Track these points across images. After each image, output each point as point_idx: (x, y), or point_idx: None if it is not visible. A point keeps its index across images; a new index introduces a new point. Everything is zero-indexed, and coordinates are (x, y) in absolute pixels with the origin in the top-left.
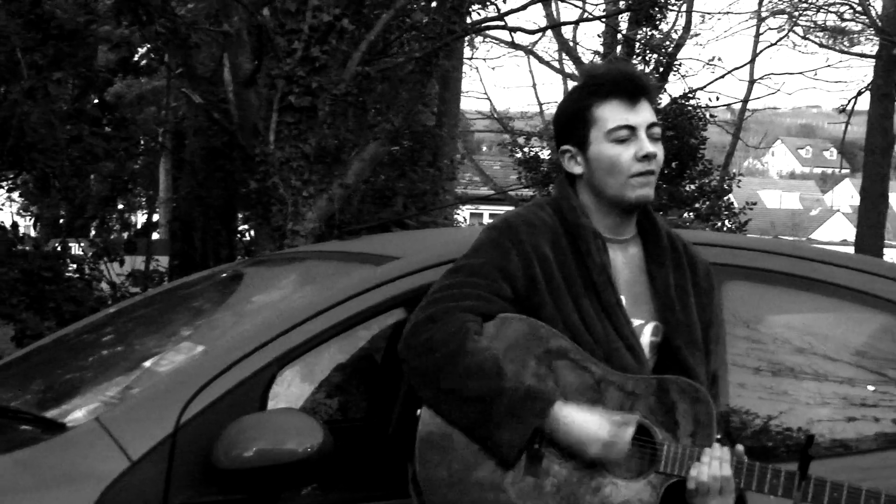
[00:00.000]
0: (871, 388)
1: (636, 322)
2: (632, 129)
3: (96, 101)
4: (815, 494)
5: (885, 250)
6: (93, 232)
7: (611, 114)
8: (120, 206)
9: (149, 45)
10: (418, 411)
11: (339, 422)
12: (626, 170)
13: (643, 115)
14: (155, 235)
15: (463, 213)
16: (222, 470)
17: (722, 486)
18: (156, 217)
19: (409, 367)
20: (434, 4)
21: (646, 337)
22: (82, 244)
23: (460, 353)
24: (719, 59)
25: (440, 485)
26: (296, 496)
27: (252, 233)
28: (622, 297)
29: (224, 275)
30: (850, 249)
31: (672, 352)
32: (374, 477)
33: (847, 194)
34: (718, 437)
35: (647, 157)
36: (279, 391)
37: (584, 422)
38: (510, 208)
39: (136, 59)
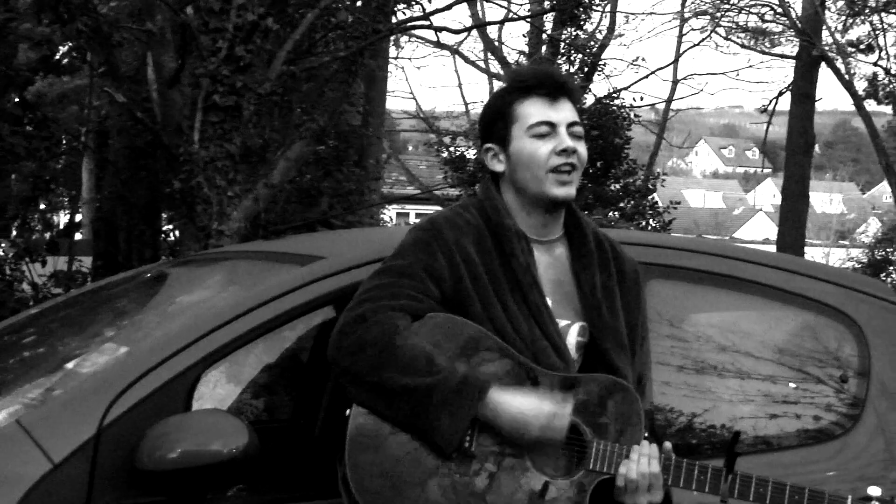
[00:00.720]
0: (792, 385)
1: (562, 322)
2: (552, 125)
3: (17, 99)
4: (741, 490)
5: (806, 249)
6: (14, 232)
7: (531, 110)
8: (42, 207)
9: (70, 44)
10: (347, 411)
11: (265, 422)
12: (544, 164)
13: (564, 112)
14: (78, 236)
15: (389, 213)
16: (146, 472)
17: (650, 482)
18: (78, 217)
19: (341, 368)
20: (359, 4)
21: (572, 337)
22: (3, 245)
23: (391, 349)
24: (643, 60)
25: (371, 485)
26: (221, 498)
27: (177, 233)
28: (548, 298)
29: (148, 275)
30: (772, 248)
31: (598, 352)
32: (302, 477)
33: (769, 193)
34: (646, 434)
35: (566, 151)
36: (204, 392)
37: (522, 404)
38: (437, 208)
39: (57, 57)
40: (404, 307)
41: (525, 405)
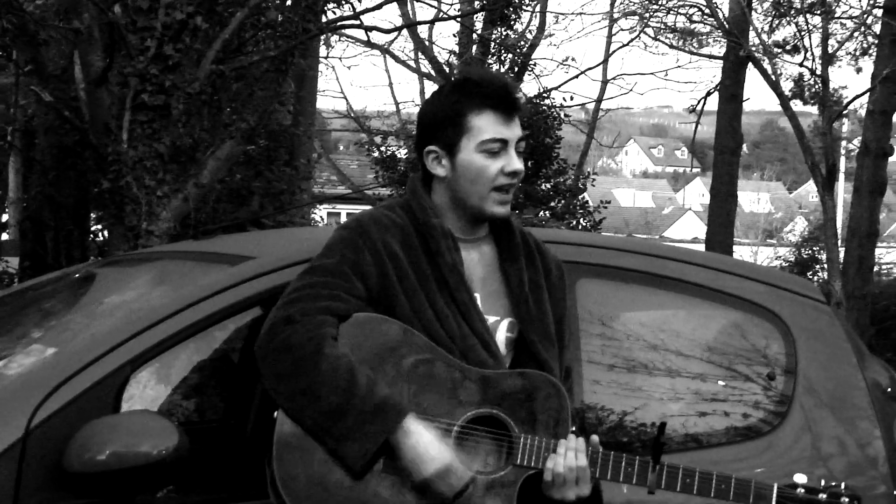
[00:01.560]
0: (721, 383)
1: (491, 319)
2: (504, 142)
3: None
4: (668, 481)
5: (735, 247)
6: None
7: (486, 125)
8: None
9: None
10: (275, 413)
11: (195, 423)
12: (490, 182)
13: (515, 130)
14: (4, 236)
15: (320, 213)
16: (75, 474)
17: (578, 476)
18: (5, 217)
19: (265, 367)
20: (289, 3)
21: (501, 333)
22: None
23: (316, 357)
24: (573, 60)
25: (300, 486)
26: (151, 499)
27: (105, 233)
28: (476, 295)
29: (76, 275)
30: (701, 247)
31: (527, 347)
32: (233, 478)
33: (698, 193)
34: (573, 429)
35: (515, 174)
36: (134, 393)
37: (429, 443)
38: (368, 208)
39: None
40: (332, 309)
41: (428, 448)
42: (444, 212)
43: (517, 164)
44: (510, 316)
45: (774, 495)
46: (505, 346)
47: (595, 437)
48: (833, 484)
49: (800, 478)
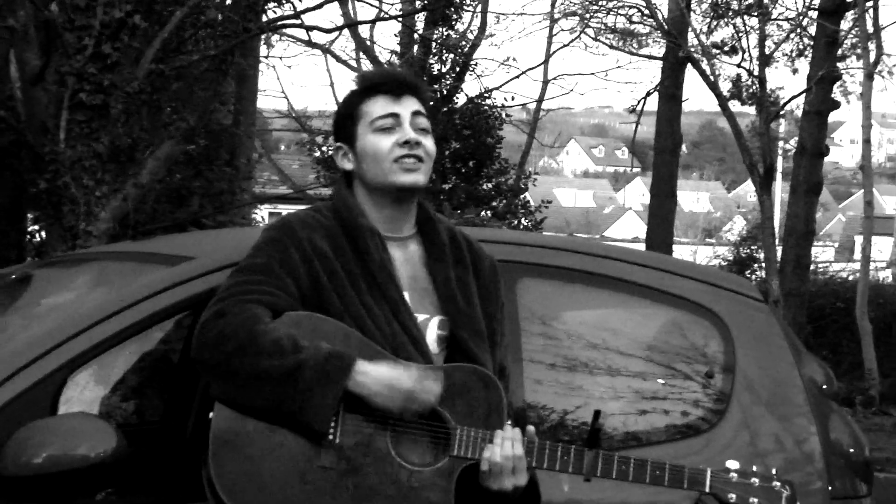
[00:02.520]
0: (661, 381)
1: (421, 317)
2: (395, 116)
3: None
4: (603, 468)
5: (674, 247)
6: None
7: (375, 107)
8: None
9: None
10: (211, 413)
11: (134, 425)
12: (388, 155)
13: (407, 106)
14: None
15: (261, 213)
16: (10, 477)
17: (514, 465)
18: None
19: (204, 364)
20: (228, 2)
21: (432, 331)
22: None
23: (252, 336)
24: (514, 60)
25: (235, 484)
26: (90, 503)
27: (42, 233)
28: (405, 294)
29: (13, 277)
30: (642, 246)
31: (459, 344)
32: (172, 480)
33: (638, 192)
34: (509, 421)
35: (409, 143)
36: (72, 395)
37: (391, 373)
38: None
39: None
40: (262, 301)
41: (394, 373)
42: (367, 209)
43: (411, 133)
44: (440, 314)
45: (708, 479)
46: (437, 344)
47: (531, 428)
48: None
49: (732, 463)
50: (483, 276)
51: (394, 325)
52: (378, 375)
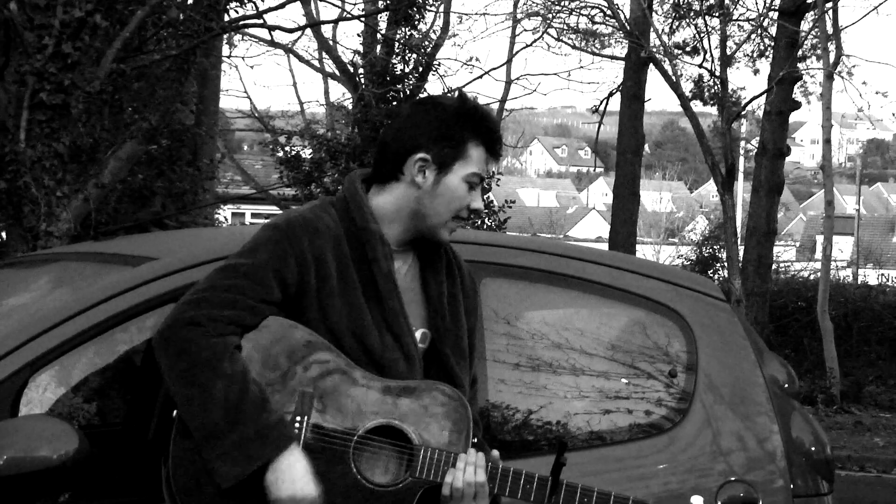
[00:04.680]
0: (624, 380)
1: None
2: (482, 181)
3: None
4: (566, 499)
5: (638, 246)
6: None
7: (478, 159)
8: None
9: None
10: (174, 412)
11: (97, 426)
12: (457, 210)
13: (489, 171)
14: None
15: (224, 213)
16: None
17: (476, 491)
18: None
19: (162, 359)
20: (190, 2)
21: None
22: None
23: (212, 369)
24: (477, 60)
25: (191, 484)
26: None
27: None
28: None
29: None
30: (605, 246)
31: (437, 358)
32: (134, 482)
33: (601, 192)
34: (475, 440)
35: (475, 212)
36: (33, 397)
37: (299, 472)
38: (272, 208)
39: None
40: (239, 319)
41: (300, 478)
42: (382, 218)
43: (480, 203)
44: (424, 327)
45: None
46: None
47: (496, 453)
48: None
49: (696, 500)
50: (465, 290)
51: (386, 338)
52: (283, 468)
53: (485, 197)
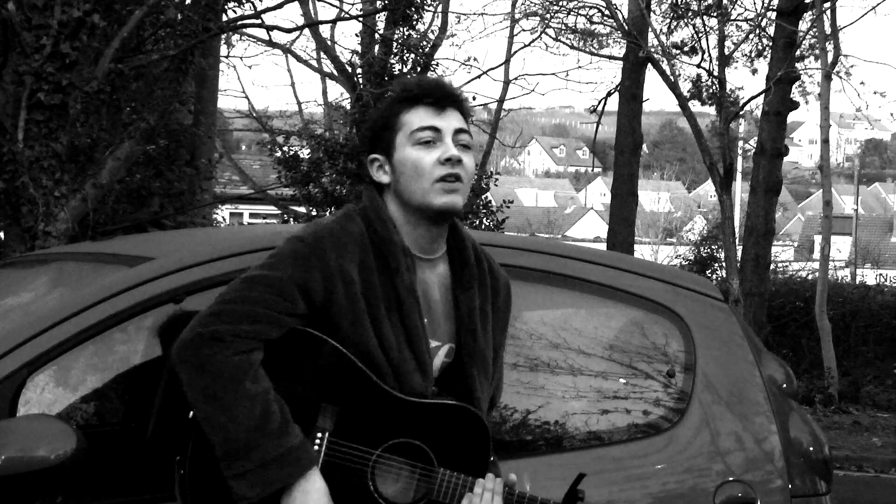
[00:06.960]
0: (622, 380)
1: (433, 344)
2: (436, 130)
3: None
4: None
5: (636, 246)
6: None
7: (416, 118)
8: None
9: None
10: (191, 413)
11: (95, 426)
12: (429, 173)
13: (450, 121)
14: None
15: (222, 213)
16: None
17: None
18: None
19: (182, 373)
20: (188, 2)
21: (439, 359)
22: None
23: (234, 389)
24: (475, 60)
25: (209, 489)
26: None
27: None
28: (425, 319)
29: None
30: (603, 246)
31: (461, 375)
32: (133, 482)
33: (599, 192)
34: (492, 458)
35: (451, 161)
36: (31, 397)
37: (314, 498)
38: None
39: None
40: (262, 333)
41: (309, 498)
42: (401, 226)
43: (453, 150)
44: (451, 342)
45: None
46: (439, 371)
47: (513, 477)
48: None
49: None
50: (499, 303)
51: (405, 352)
52: (301, 494)
53: (483, 197)
